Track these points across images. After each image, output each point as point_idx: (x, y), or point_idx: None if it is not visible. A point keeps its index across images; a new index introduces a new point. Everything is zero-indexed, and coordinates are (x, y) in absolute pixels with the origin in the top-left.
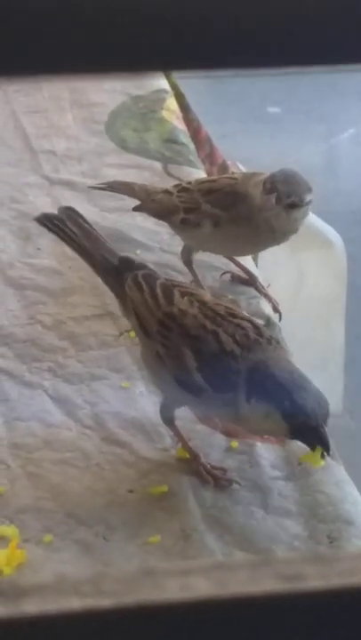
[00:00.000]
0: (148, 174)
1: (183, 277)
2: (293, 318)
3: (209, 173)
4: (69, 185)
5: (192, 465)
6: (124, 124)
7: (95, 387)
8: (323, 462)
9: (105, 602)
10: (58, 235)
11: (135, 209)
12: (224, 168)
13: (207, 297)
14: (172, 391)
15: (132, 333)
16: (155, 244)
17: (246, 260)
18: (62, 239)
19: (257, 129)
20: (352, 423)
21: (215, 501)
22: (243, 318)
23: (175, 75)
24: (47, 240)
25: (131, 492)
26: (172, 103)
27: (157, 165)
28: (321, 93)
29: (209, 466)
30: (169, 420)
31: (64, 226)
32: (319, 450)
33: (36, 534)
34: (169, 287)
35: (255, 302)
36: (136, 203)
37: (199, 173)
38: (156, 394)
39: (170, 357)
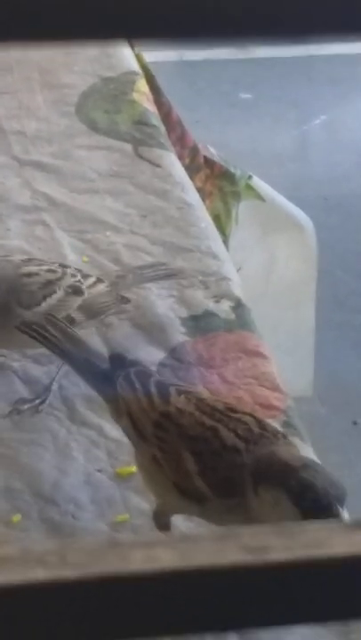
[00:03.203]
0: (119, 156)
1: (151, 259)
2: (264, 301)
3: (180, 156)
4: (39, 166)
5: None
6: (95, 106)
7: (65, 368)
8: None
9: (70, 572)
10: (39, 340)
11: None
12: (195, 151)
13: (205, 394)
14: (171, 498)
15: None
16: (125, 225)
17: (217, 243)
18: (44, 345)
19: (229, 115)
20: (322, 407)
21: None
22: (244, 413)
23: (146, 59)
24: (17, 221)
25: (99, 471)
26: (142, 85)
27: (128, 147)
28: (293, 80)
29: None
30: (165, 527)
31: (45, 331)
32: None
33: (5, 514)
34: (164, 385)
35: (225, 283)
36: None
37: (170, 155)
38: (150, 498)
39: (168, 462)
